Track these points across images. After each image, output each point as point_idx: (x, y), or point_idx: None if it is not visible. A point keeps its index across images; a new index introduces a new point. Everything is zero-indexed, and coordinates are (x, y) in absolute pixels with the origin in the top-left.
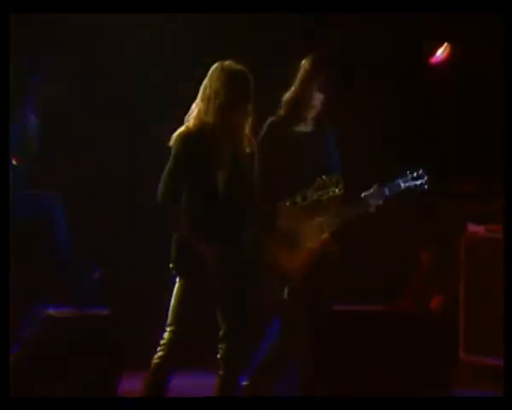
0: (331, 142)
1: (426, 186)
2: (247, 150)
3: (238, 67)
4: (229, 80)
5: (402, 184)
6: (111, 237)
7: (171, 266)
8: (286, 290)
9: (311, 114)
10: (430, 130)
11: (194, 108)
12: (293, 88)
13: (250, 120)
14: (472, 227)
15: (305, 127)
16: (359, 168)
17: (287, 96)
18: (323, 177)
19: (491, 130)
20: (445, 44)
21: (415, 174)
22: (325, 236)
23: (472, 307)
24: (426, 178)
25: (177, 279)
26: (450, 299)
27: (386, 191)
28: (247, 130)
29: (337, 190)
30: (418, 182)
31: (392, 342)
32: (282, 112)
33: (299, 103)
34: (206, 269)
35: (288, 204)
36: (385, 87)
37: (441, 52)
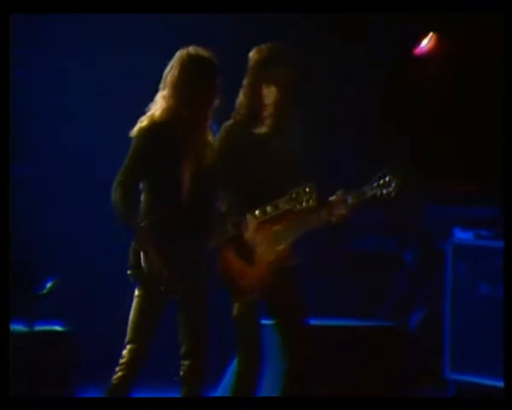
0: (296, 142)
1: (393, 194)
2: (210, 139)
3: (206, 54)
4: (200, 72)
5: (367, 192)
6: (69, 242)
7: (128, 272)
8: (236, 306)
9: (268, 112)
10: (417, 127)
11: (160, 100)
12: (242, 88)
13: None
14: (459, 233)
15: (265, 128)
16: (336, 171)
17: (239, 97)
18: (297, 188)
19: (484, 127)
20: (430, 34)
21: (381, 181)
22: (281, 248)
23: (458, 322)
24: (393, 184)
25: (136, 290)
26: (434, 312)
27: (349, 199)
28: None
29: (311, 202)
30: (385, 190)
31: (368, 359)
32: (237, 115)
33: (251, 103)
34: (163, 279)
35: (257, 213)
36: (364, 81)
37: (426, 43)
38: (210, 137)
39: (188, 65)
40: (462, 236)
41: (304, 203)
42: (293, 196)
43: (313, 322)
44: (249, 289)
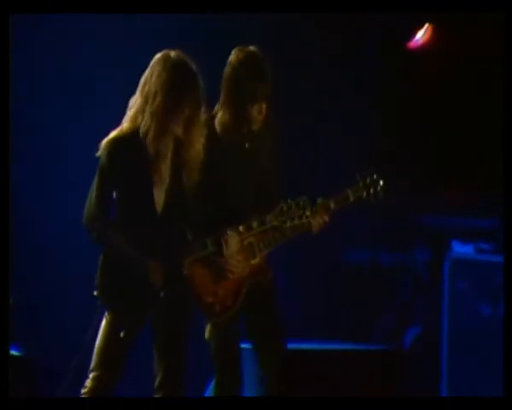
0: (274, 146)
1: (381, 195)
2: (195, 160)
3: (185, 61)
4: (172, 79)
5: (351, 196)
6: (25, 257)
7: (95, 293)
8: (207, 328)
9: (247, 119)
10: (413, 131)
11: (132, 106)
12: (220, 103)
13: (199, 121)
14: (458, 246)
15: (241, 133)
16: (326, 176)
17: (219, 115)
18: (289, 201)
19: (485, 131)
20: (426, 25)
21: (367, 180)
22: (256, 261)
23: (457, 343)
24: (381, 183)
25: (106, 313)
26: (430, 332)
27: (332, 205)
28: (198, 134)
29: (304, 217)
30: (371, 190)
31: (363, 384)
32: (212, 123)
33: (231, 118)
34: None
35: (241, 229)
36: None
37: (421, 35)
38: (194, 155)
39: (158, 70)
40: (462, 249)
41: (296, 219)
42: (284, 209)
43: (296, 345)
44: (221, 308)
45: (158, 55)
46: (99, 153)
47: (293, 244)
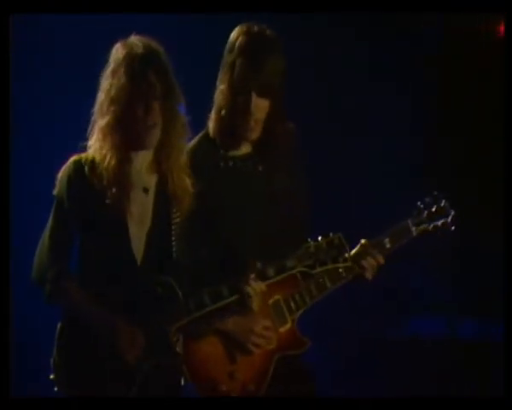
0: (294, 166)
1: (452, 227)
2: (184, 188)
3: (142, 47)
4: (125, 74)
5: (413, 229)
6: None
7: (51, 377)
8: None
9: (254, 122)
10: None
11: (95, 125)
12: (220, 88)
13: (179, 128)
14: None
15: (249, 147)
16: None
17: (217, 102)
18: (318, 240)
19: None
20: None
21: (433, 209)
22: (286, 328)
23: None
24: (452, 213)
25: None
26: None
27: (388, 244)
28: (179, 157)
29: (340, 261)
30: (439, 222)
31: None
32: (209, 130)
33: (231, 111)
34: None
35: (252, 278)
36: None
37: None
38: (177, 184)
39: (110, 66)
40: None
41: (329, 263)
42: (312, 250)
43: None
44: (241, 396)
45: (118, 48)
46: (56, 187)
47: (324, 304)
